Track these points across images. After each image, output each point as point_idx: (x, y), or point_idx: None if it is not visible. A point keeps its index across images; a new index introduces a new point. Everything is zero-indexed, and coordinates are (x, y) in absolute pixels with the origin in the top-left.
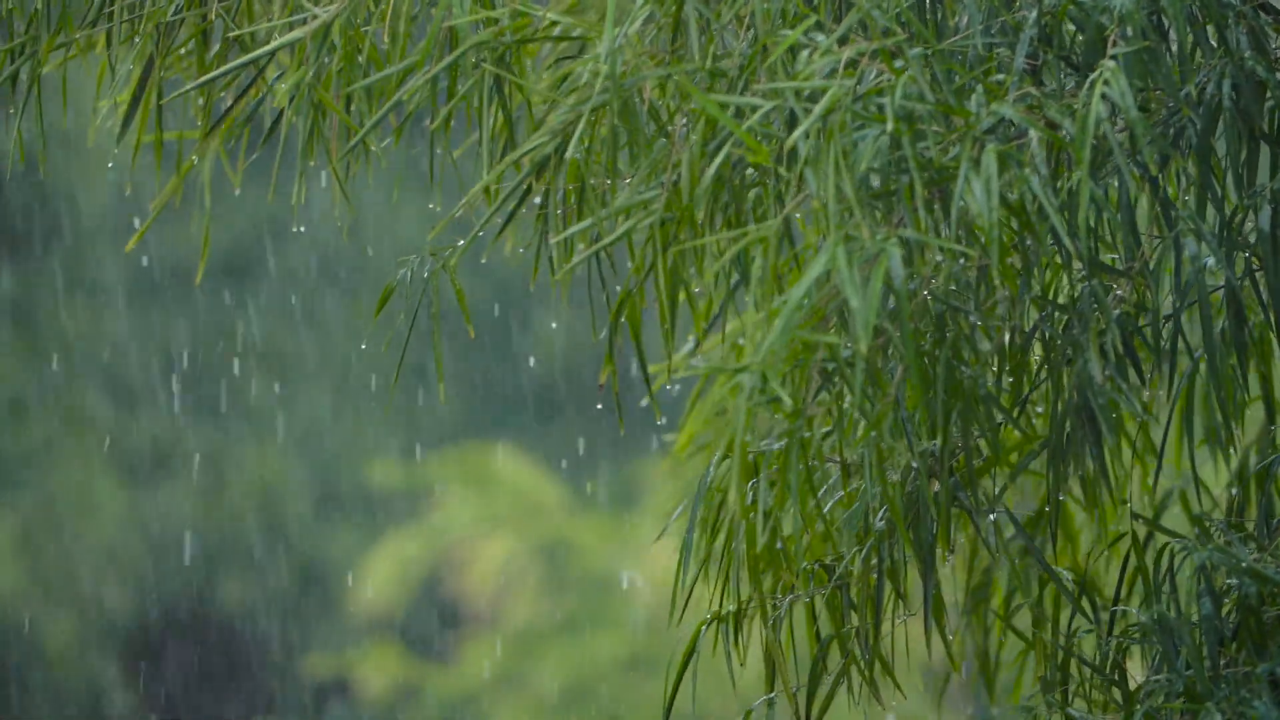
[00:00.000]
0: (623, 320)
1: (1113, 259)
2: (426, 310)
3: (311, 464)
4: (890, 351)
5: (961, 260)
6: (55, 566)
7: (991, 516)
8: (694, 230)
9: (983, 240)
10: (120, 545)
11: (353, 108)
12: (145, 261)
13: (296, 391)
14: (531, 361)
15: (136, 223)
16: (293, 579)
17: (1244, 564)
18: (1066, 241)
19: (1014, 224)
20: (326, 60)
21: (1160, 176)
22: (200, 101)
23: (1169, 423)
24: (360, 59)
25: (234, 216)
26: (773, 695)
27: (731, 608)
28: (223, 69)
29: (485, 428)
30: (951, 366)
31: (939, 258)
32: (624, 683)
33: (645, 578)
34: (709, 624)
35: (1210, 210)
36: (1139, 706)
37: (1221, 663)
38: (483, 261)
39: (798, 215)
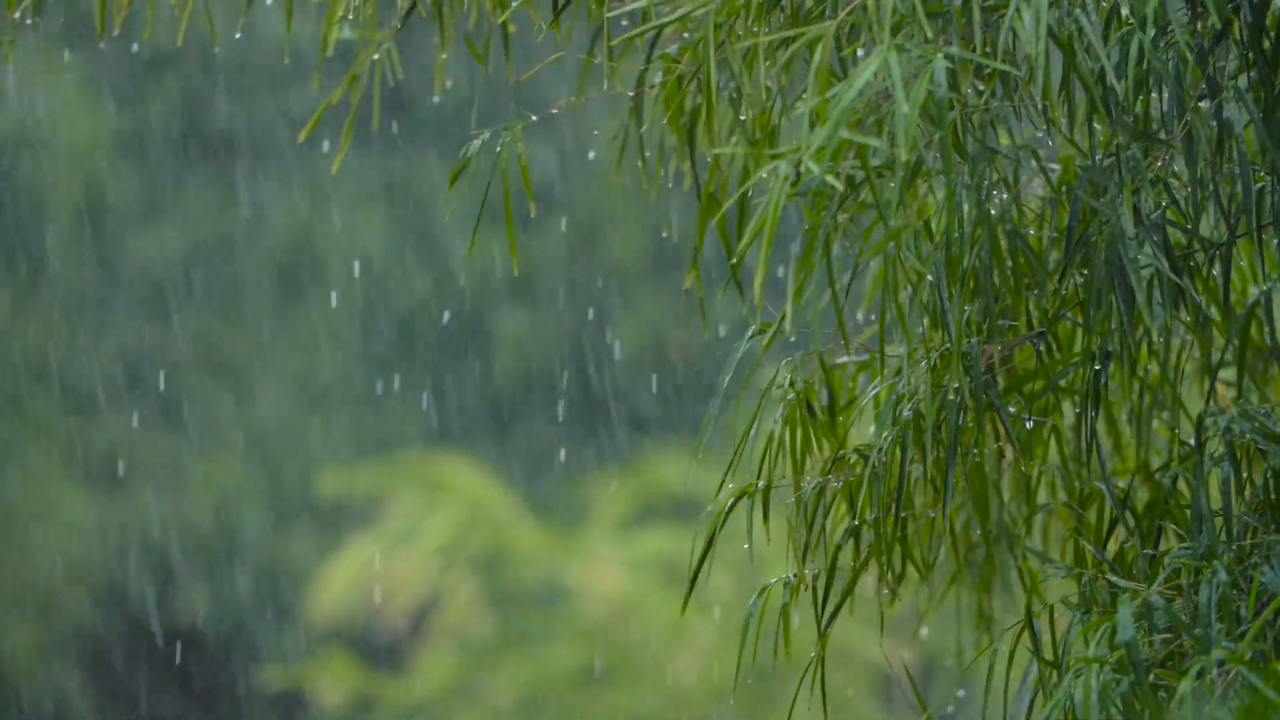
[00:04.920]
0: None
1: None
2: (475, 192)
3: (269, 473)
4: (923, 168)
5: (1000, 96)
6: (14, 575)
7: (1029, 423)
8: (747, 34)
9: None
10: (80, 553)
11: None
12: (103, 268)
13: (255, 399)
14: (490, 370)
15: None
16: (251, 588)
17: (1268, 428)
18: (1112, 79)
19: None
20: None
21: (1212, 54)
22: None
23: (1227, 344)
24: None
25: (193, 225)
26: (793, 575)
27: (760, 484)
28: None
29: (442, 436)
30: (983, 204)
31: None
32: (578, 692)
33: (598, 588)
34: (736, 500)
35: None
36: (1164, 570)
37: (1250, 538)
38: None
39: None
